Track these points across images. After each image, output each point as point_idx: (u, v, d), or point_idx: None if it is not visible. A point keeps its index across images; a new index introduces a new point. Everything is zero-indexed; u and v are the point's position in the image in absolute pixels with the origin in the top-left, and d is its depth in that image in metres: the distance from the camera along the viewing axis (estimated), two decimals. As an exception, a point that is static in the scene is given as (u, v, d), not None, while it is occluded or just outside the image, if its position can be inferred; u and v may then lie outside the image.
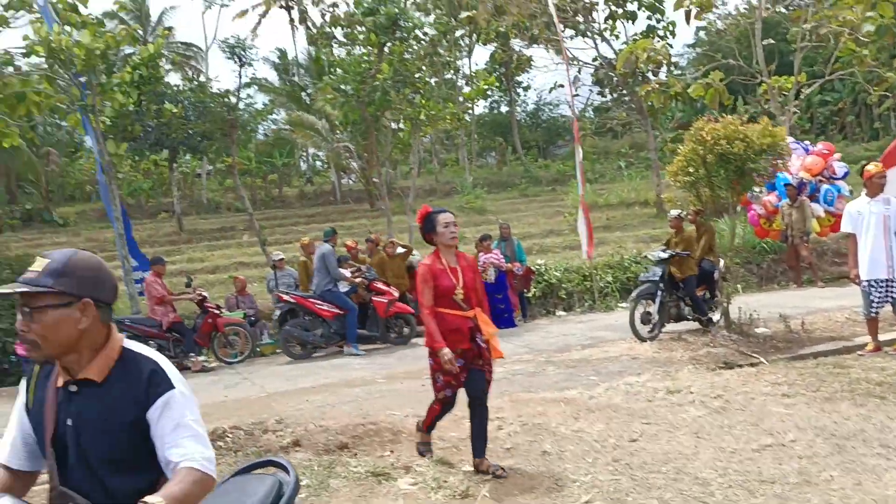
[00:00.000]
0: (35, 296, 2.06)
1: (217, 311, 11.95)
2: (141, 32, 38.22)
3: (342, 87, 14.63)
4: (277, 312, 12.56)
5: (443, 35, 32.36)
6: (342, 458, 6.01)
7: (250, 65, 19.31)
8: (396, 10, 13.73)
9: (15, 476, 2.23)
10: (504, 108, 42.66)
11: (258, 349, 12.58)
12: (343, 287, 11.64)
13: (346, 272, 11.70)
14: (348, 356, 11.38)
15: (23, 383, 2.28)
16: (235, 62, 17.89)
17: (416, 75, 14.44)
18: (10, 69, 15.73)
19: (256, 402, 8.66)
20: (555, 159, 38.76)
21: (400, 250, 12.86)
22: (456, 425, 6.89)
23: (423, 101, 13.92)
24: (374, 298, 11.78)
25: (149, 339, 11.13)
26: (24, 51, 15.03)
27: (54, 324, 2.06)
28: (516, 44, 29.63)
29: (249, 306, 13.01)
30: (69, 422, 2.11)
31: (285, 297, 11.81)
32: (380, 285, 11.93)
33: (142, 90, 11.21)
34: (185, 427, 2.06)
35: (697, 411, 6.70)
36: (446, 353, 5.15)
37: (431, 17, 31.48)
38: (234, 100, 16.66)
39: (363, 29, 14.63)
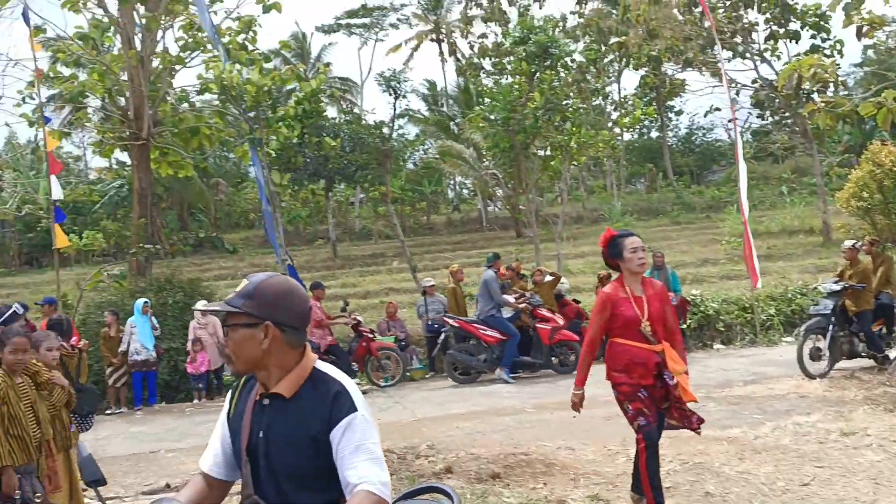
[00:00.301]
0: (230, 314, 2.20)
1: (371, 336, 12.22)
2: (302, 69, 40.54)
3: (491, 116, 14.73)
4: (427, 338, 12.76)
5: (592, 62, 32.13)
6: (495, 489, 5.93)
7: (404, 96, 19.95)
8: (547, 39, 13.71)
9: (212, 484, 2.34)
10: (654, 133, 41.63)
11: (408, 373, 12.74)
12: (506, 313, 11.58)
13: (511, 298, 11.64)
14: (499, 381, 11.29)
15: (228, 395, 2.41)
16: (390, 94, 18.46)
17: (565, 102, 14.28)
18: (185, 105, 17.06)
19: (407, 427, 8.75)
20: (709, 185, 37.30)
21: (548, 278, 12.71)
22: (611, 460, 6.66)
23: (574, 129, 13.75)
24: (537, 325, 11.62)
25: None
26: (198, 88, 16.29)
27: (241, 342, 2.18)
28: (669, 67, 28.87)
29: (400, 331, 13.24)
30: (261, 434, 2.20)
31: (450, 322, 11.90)
32: (544, 312, 11.78)
33: (304, 124, 11.75)
34: (364, 450, 2.10)
35: (875, 455, 6.16)
36: (577, 394, 4.99)
37: (580, 45, 31.35)
38: (387, 131, 17.17)
39: (512, 58, 14.69)
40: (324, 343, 11.69)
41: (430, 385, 12.03)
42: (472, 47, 36.01)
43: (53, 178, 11.52)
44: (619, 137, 38.11)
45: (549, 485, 6.02)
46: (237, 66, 12.30)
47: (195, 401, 12.13)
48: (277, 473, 2.18)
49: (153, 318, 12.09)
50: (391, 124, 19.23)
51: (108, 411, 11.50)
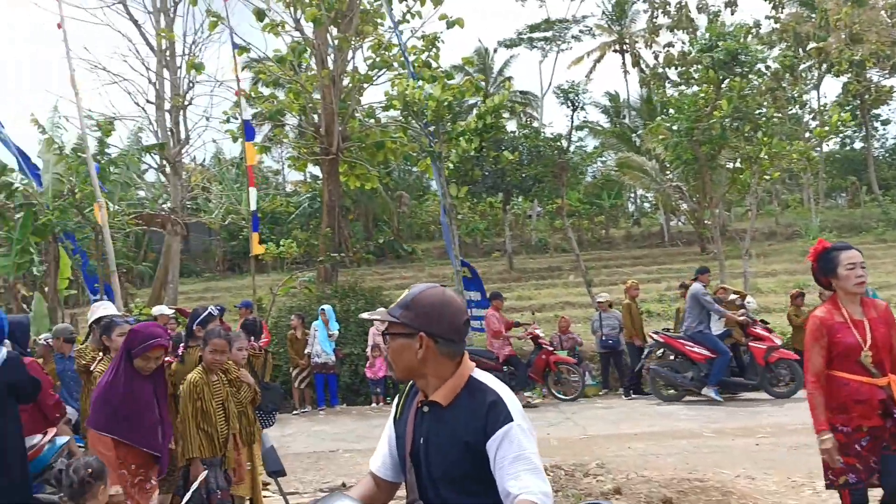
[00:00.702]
0: (391, 324, 2.30)
1: (550, 349, 12.14)
2: (483, 83, 41.27)
3: (674, 126, 14.21)
4: (601, 353, 12.57)
5: (788, 69, 30.22)
6: (664, 514, 5.70)
7: (583, 108, 19.66)
8: (736, 45, 13.04)
9: (380, 485, 2.44)
10: (858, 144, 38.48)
11: (583, 389, 12.55)
12: (715, 329, 11.08)
13: (727, 311, 11.09)
14: (706, 399, 10.76)
15: (395, 399, 2.52)
16: (568, 106, 18.31)
17: (757, 111, 13.45)
18: (371, 121, 17.86)
19: (578, 443, 8.62)
20: (921, 200, 33.92)
21: (732, 297, 12.06)
22: (795, 492, 6.21)
23: (764, 139, 12.93)
24: (751, 344, 10.99)
25: (485, 371, 11.63)
26: (384, 105, 17.00)
27: (398, 350, 2.28)
28: (874, 73, 26.62)
29: (571, 345, 13.07)
30: (422, 440, 2.27)
31: (655, 338, 11.57)
32: (759, 330, 11.16)
33: (483, 137, 11.93)
34: (524, 460, 2.10)
35: None
36: (827, 440, 4.00)
37: (776, 51, 29.60)
38: (565, 143, 17.01)
39: (699, 67, 14.09)
40: (502, 353, 11.77)
41: (603, 402, 11.79)
42: (656, 57, 35.02)
43: (252, 189, 12.46)
44: (818, 149, 35.60)
45: (725, 515, 5.71)
46: (420, 82, 12.70)
47: (374, 404, 12.60)
48: (437, 479, 2.24)
49: (327, 323, 12.56)
50: (568, 137, 19.05)
51: (294, 411, 12.21)
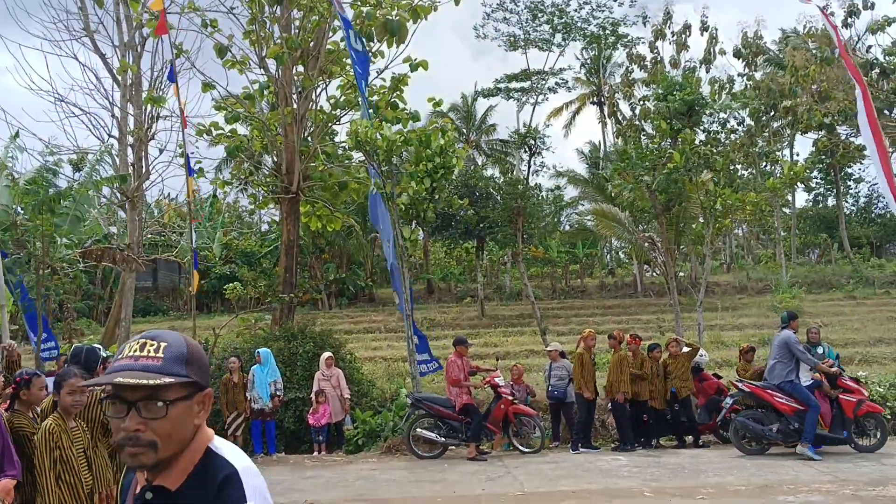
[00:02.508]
0: (165, 387, 1.73)
1: (511, 399, 11.63)
2: (465, 131, 41.46)
3: (618, 176, 14.09)
4: (550, 405, 12.22)
5: (761, 125, 30.48)
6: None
7: (539, 154, 19.48)
8: (690, 95, 12.99)
9: None
10: (831, 202, 38.76)
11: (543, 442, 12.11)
12: (804, 380, 10.51)
13: (819, 362, 10.66)
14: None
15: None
16: (525, 151, 18.15)
17: (713, 163, 13.24)
18: (335, 161, 17.67)
19: (510, 500, 8.22)
20: (891, 259, 34.04)
21: (685, 349, 11.79)
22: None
23: (719, 190, 12.77)
24: (841, 396, 10.52)
25: (442, 420, 11.28)
26: (346, 145, 16.82)
27: (181, 419, 1.76)
28: (843, 131, 26.83)
29: (522, 396, 12.68)
30: None
31: (739, 386, 10.99)
32: (848, 381, 10.68)
33: (434, 178, 11.70)
34: None
35: None
36: None
37: (747, 109, 29.90)
38: (522, 188, 16.86)
39: (654, 117, 14.03)
40: (459, 402, 11.27)
41: (551, 455, 11.33)
42: (633, 109, 35.37)
43: (192, 226, 12.16)
44: (790, 205, 35.77)
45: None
46: (375, 121, 12.52)
47: (315, 453, 12.13)
48: None
49: (258, 367, 12.12)
50: (525, 182, 18.91)
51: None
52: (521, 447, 11.47)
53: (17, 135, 16.67)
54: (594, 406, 11.81)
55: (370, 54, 14.51)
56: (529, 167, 19.60)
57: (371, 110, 15.87)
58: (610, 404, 11.84)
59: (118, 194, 18.64)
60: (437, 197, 11.94)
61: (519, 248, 17.30)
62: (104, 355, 5.66)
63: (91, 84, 19.91)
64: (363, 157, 15.41)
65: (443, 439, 11.33)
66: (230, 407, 11.90)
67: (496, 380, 11.71)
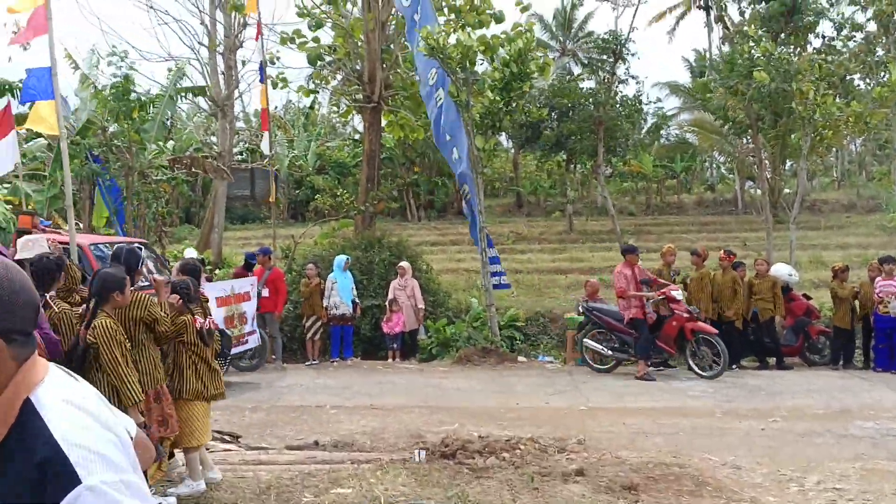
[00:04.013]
0: None
1: (691, 315, 10.43)
2: (560, 39, 39.89)
3: (717, 84, 13.10)
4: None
5: (885, 31, 27.88)
6: (618, 502, 5.16)
7: (624, 60, 18.26)
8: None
9: None
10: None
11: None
12: None
13: None
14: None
15: None
16: (609, 56, 17.20)
17: (813, 71, 11.92)
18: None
19: (571, 415, 8.09)
20: None
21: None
22: (778, 488, 5.56)
23: (819, 99, 11.63)
24: None
25: (612, 332, 10.69)
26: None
27: None
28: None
29: (600, 312, 12.38)
30: None
31: None
32: None
33: (512, 88, 11.22)
34: None
35: None
36: None
37: (869, 12, 27.35)
38: (604, 97, 15.95)
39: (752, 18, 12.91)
40: (627, 315, 10.45)
41: (620, 372, 11.04)
42: (742, 13, 33.03)
43: (265, 134, 12.16)
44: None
45: (685, 508, 5.14)
46: (448, 26, 12.05)
47: (389, 360, 12.30)
48: None
49: (339, 274, 12.20)
50: (607, 90, 17.96)
51: (306, 363, 12.01)
52: (698, 369, 10.28)
53: (94, 47, 16.95)
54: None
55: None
56: (612, 74, 18.50)
57: (453, 15, 15.39)
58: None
59: (209, 103, 18.95)
60: (513, 106, 11.44)
61: (599, 161, 16.60)
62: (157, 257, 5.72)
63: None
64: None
65: (611, 353, 10.71)
66: (308, 311, 12.16)
67: (672, 293, 10.56)
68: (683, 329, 10.40)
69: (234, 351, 9.51)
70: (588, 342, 10.84)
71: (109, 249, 10.00)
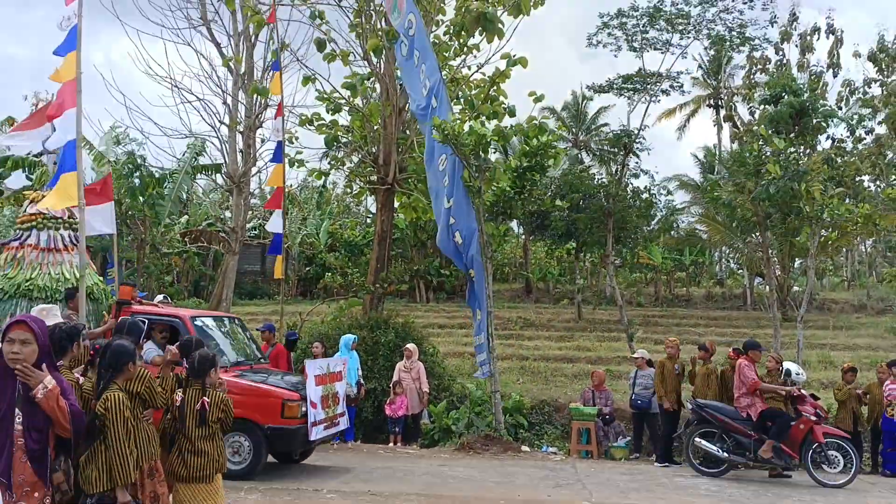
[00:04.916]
0: None
1: (819, 418, 9.72)
2: (574, 132, 40.63)
3: (725, 181, 13.31)
4: (633, 414, 11.75)
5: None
6: None
7: (635, 154, 18.66)
8: (803, 99, 12.09)
9: None
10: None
11: (609, 450, 11.74)
12: None
13: None
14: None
15: None
16: (619, 150, 17.53)
17: (810, 174, 11.96)
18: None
19: (573, 510, 7.92)
20: None
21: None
22: None
23: (826, 199, 11.77)
24: None
25: (727, 433, 9.89)
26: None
27: None
28: None
29: (605, 403, 12.28)
30: None
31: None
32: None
33: (525, 178, 11.44)
34: None
35: None
36: None
37: (881, 115, 27.98)
38: (616, 189, 16.19)
39: (760, 118, 13.19)
40: (754, 411, 9.89)
41: (626, 467, 10.88)
42: (752, 113, 33.76)
43: (277, 212, 12.34)
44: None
45: None
46: (463, 115, 12.36)
47: (390, 444, 12.12)
48: None
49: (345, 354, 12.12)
50: (618, 182, 18.25)
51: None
52: (820, 478, 9.52)
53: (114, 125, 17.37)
54: (677, 418, 11.27)
55: (465, 48, 14.41)
56: (623, 168, 18.84)
57: (465, 107, 15.80)
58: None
59: (225, 179, 19.29)
60: (526, 195, 11.63)
61: (608, 251, 16.72)
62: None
63: (205, 72, 20.57)
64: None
65: (726, 455, 9.92)
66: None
67: (801, 391, 10.13)
68: (812, 432, 9.68)
69: (326, 433, 9.29)
70: (700, 442, 10.05)
71: (214, 322, 10.11)
